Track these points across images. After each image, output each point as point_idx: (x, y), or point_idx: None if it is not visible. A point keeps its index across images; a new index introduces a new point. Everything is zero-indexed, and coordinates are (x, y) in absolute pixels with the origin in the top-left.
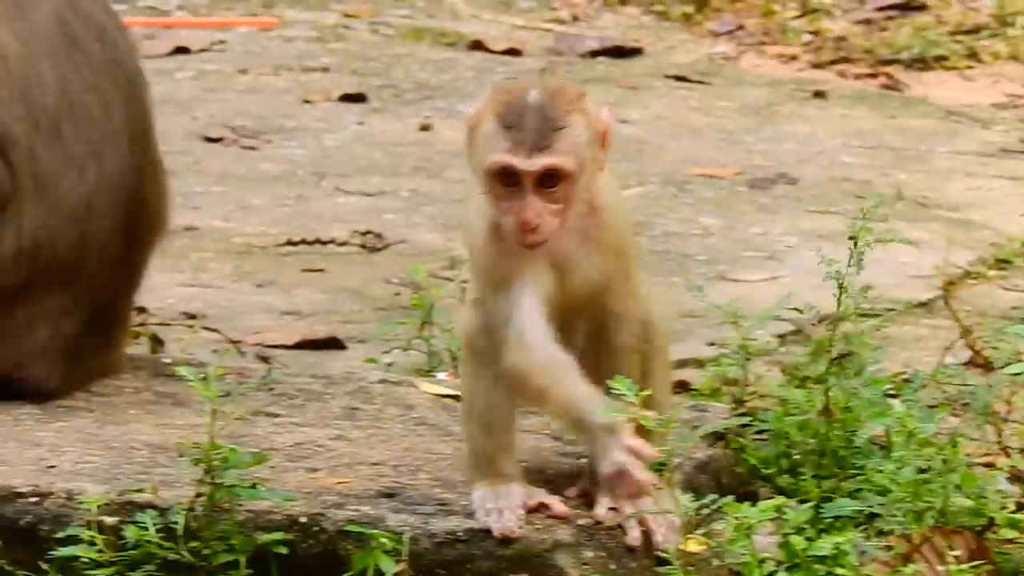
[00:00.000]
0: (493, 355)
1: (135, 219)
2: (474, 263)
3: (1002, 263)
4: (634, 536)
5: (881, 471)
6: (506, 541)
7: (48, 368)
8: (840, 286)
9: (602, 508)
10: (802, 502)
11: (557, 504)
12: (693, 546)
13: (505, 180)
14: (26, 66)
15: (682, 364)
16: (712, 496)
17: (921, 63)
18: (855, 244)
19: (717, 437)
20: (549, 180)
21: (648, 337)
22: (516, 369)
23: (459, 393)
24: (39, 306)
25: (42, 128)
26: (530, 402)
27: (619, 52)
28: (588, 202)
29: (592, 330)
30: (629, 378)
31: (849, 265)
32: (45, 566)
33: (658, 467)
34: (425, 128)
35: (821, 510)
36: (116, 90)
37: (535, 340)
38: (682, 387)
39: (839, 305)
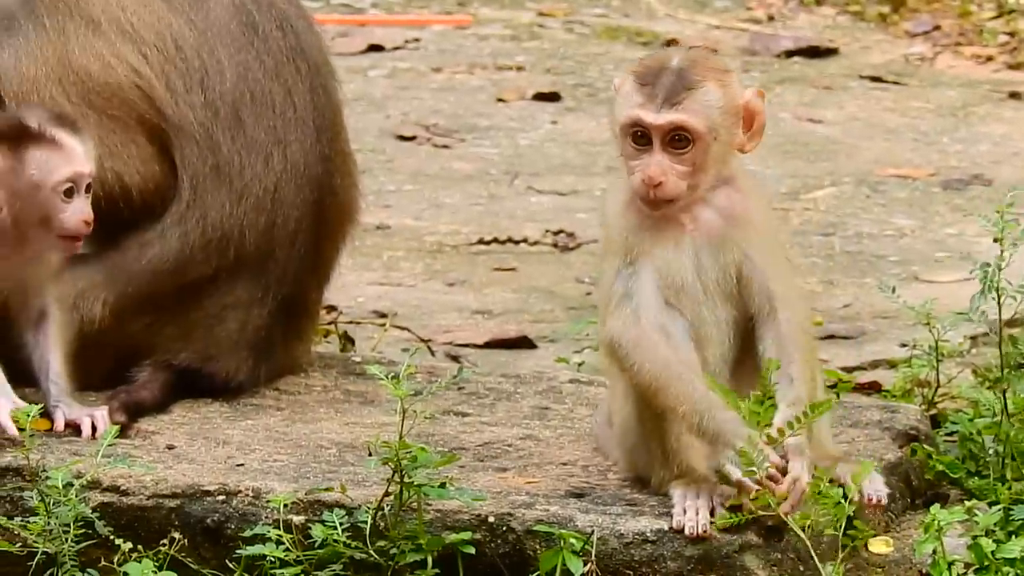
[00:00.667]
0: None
1: (324, 209)
2: (607, 241)
3: None
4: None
5: None
6: (695, 541)
7: (237, 361)
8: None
9: None
10: (992, 504)
11: (749, 504)
12: (882, 547)
13: (638, 139)
14: (203, 55)
15: (874, 365)
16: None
17: None
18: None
19: (908, 439)
20: (678, 140)
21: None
22: (619, 342)
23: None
24: (229, 296)
25: (221, 116)
26: (628, 376)
27: (814, 52)
28: (728, 179)
29: (748, 320)
30: (798, 361)
31: (1001, 267)
32: (231, 564)
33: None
34: None
35: (1010, 512)
36: (299, 77)
37: (650, 322)
38: (874, 388)
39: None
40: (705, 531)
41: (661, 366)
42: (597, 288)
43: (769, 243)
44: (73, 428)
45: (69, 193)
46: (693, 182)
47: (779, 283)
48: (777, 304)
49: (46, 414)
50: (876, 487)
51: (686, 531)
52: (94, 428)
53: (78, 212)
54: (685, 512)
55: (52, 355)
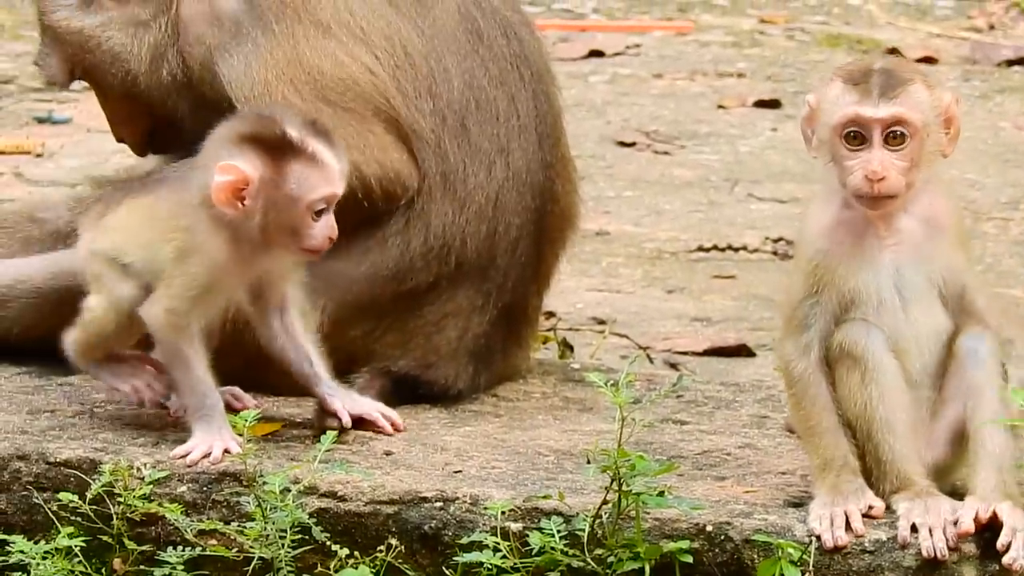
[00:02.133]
0: (862, 358)
1: (545, 215)
2: (799, 258)
3: None
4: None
5: None
6: (932, 563)
7: (456, 368)
8: None
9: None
10: None
11: (968, 519)
12: None
13: (852, 140)
14: (430, 62)
15: None
16: None
17: None
18: None
19: None
20: (895, 136)
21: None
22: (788, 368)
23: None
24: (449, 304)
25: (448, 124)
26: (789, 397)
27: None
28: (931, 184)
29: (948, 330)
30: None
31: None
32: (448, 571)
33: None
34: None
35: None
36: (522, 84)
37: (819, 358)
38: None
39: None
40: (944, 555)
41: (815, 412)
42: (783, 295)
43: (966, 249)
44: (357, 421)
45: (320, 212)
46: (910, 179)
47: (978, 290)
48: (979, 308)
49: (267, 417)
50: (1017, 553)
51: (924, 552)
52: (391, 423)
53: (325, 228)
54: (918, 529)
55: (306, 339)
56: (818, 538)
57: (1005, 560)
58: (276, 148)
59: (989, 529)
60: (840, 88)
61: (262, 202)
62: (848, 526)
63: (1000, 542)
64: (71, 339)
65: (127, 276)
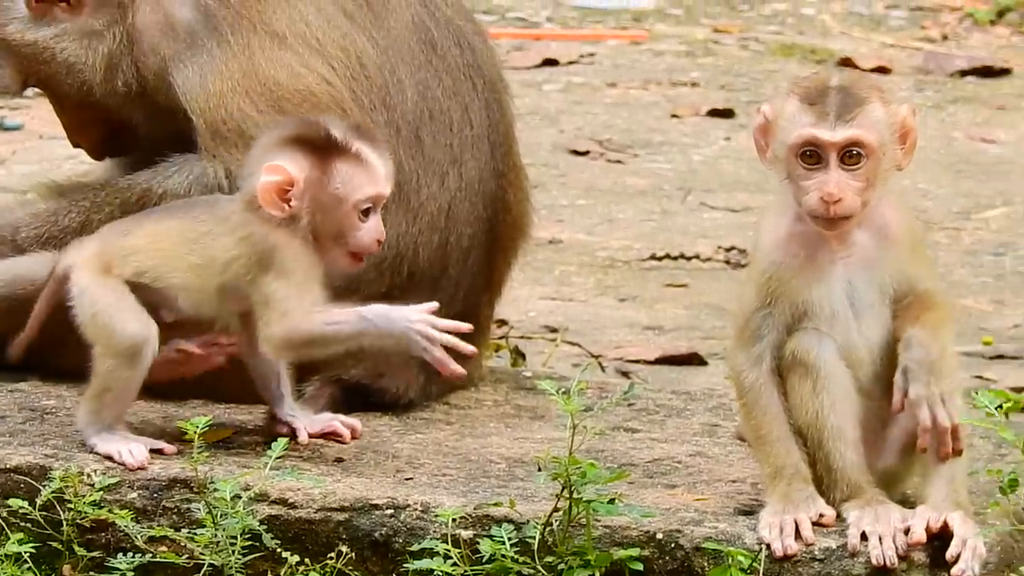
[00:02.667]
0: (814, 366)
1: (497, 224)
2: (753, 270)
3: None
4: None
5: None
6: (882, 570)
7: (407, 378)
8: None
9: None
10: None
11: (919, 528)
12: None
13: (808, 159)
14: (385, 72)
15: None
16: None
17: None
18: None
19: None
20: (851, 156)
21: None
22: (739, 378)
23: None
24: None
25: (403, 135)
26: (740, 407)
27: (988, 72)
28: (884, 197)
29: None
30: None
31: None
32: None
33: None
34: None
35: None
36: (475, 94)
37: (770, 368)
38: None
39: None
40: (893, 564)
41: (766, 421)
42: (735, 303)
43: (922, 259)
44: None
45: (367, 212)
46: (866, 198)
47: (931, 291)
48: (926, 304)
49: (218, 424)
50: (967, 564)
51: (873, 560)
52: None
53: (372, 231)
54: (867, 537)
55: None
56: (768, 546)
57: (954, 571)
58: (321, 148)
59: (939, 538)
60: (796, 106)
61: (308, 203)
62: (798, 534)
63: (950, 553)
64: (84, 410)
65: (142, 309)
